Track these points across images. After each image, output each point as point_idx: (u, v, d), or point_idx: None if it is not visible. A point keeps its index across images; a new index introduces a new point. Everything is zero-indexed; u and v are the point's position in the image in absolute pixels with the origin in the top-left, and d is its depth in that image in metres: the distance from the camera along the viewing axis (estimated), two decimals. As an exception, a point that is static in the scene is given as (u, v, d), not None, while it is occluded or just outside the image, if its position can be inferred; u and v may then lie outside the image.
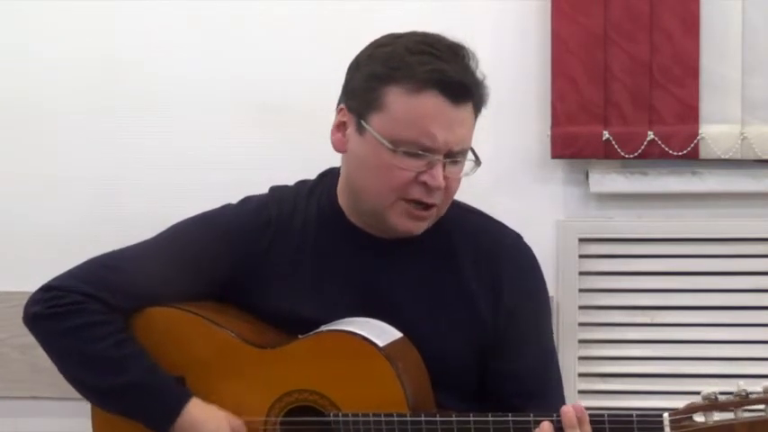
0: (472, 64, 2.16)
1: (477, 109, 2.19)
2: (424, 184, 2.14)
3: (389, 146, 2.13)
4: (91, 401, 2.28)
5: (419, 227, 2.20)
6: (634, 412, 2.04)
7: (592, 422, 2.05)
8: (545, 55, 2.75)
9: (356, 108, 2.18)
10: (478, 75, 2.17)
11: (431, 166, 2.14)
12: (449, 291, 2.25)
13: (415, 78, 2.12)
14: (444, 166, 2.14)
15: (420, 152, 2.13)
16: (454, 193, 2.21)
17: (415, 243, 2.24)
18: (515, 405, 2.20)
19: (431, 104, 2.12)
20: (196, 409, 2.20)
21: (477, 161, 2.20)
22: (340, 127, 2.22)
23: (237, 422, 2.20)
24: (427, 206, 2.17)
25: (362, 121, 2.16)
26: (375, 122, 2.15)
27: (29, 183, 2.90)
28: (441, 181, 2.14)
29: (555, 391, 2.29)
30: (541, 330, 2.30)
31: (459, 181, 2.20)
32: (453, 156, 2.15)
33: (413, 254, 2.26)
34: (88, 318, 2.22)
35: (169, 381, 2.22)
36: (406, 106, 2.13)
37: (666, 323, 2.81)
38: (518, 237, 2.33)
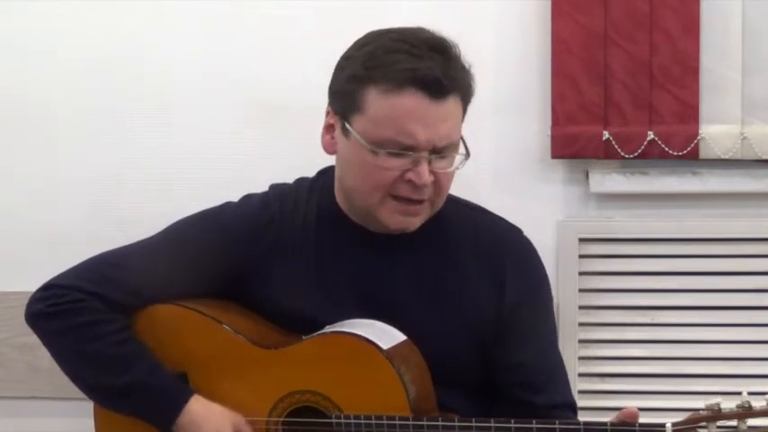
0: (452, 56, 2.15)
1: (465, 100, 2.18)
2: (410, 181, 2.15)
3: (370, 147, 2.14)
4: (93, 400, 2.28)
5: (411, 222, 2.21)
6: (637, 423, 2.04)
7: None
8: (545, 55, 2.74)
9: (340, 110, 2.19)
10: (459, 66, 2.16)
11: (416, 163, 2.14)
12: (450, 286, 2.26)
13: (390, 78, 2.12)
14: (430, 162, 2.15)
15: (401, 151, 2.13)
16: (447, 187, 2.21)
17: (416, 239, 2.25)
18: (519, 397, 2.24)
19: (409, 103, 2.12)
20: (198, 407, 2.20)
21: (467, 154, 2.20)
22: (329, 129, 2.23)
23: (239, 419, 2.20)
24: (417, 201, 2.18)
25: (346, 123, 2.17)
26: (357, 124, 2.16)
27: (29, 183, 2.90)
28: (426, 178, 2.14)
29: (559, 384, 2.30)
30: (544, 323, 2.32)
31: (449, 175, 2.20)
32: (439, 152, 2.16)
33: (413, 250, 2.27)
34: (89, 316, 2.23)
35: (171, 379, 2.22)
36: (383, 106, 2.13)
37: (666, 323, 2.81)
38: (518, 230, 2.34)
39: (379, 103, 2.13)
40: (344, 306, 2.24)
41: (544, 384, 2.26)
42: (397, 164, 2.14)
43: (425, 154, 2.14)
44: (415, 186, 2.15)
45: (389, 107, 2.12)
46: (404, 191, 2.16)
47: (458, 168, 2.20)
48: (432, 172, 2.15)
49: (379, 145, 2.13)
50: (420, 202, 2.18)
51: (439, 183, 2.18)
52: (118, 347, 2.21)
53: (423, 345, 2.21)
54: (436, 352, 2.21)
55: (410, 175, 2.14)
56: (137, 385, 2.20)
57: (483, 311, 2.26)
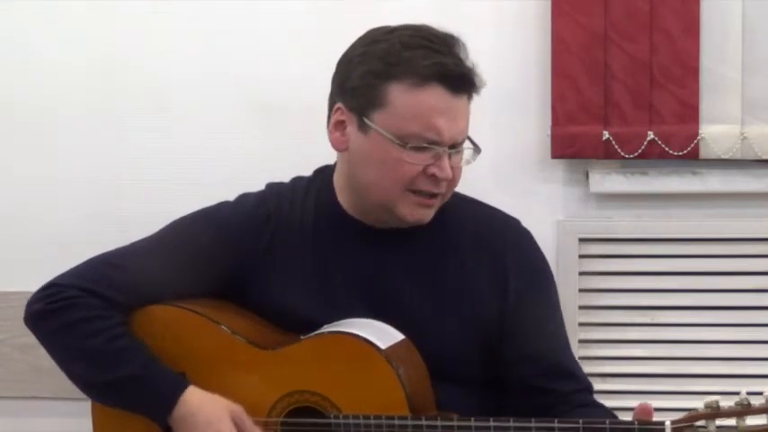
0: (464, 53, 2.19)
1: (471, 97, 2.21)
2: (433, 176, 2.17)
3: (397, 141, 2.15)
4: (91, 397, 2.28)
5: (428, 215, 2.23)
6: (636, 420, 2.04)
7: (593, 430, 2.06)
8: (545, 55, 2.75)
9: (356, 106, 2.19)
10: (470, 63, 2.19)
11: (437, 158, 2.17)
12: (451, 280, 2.27)
13: (416, 73, 2.14)
14: (450, 157, 2.17)
15: (427, 145, 2.16)
16: (458, 181, 2.24)
17: (416, 233, 2.26)
18: (540, 386, 2.24)
19: (434, 98, 2.15)
20: (194, 397, 2.18)
21: (477, 148, 2.23)
22: (338, 126, 2.23)
23: (236, 407, 2.18)
24: (433, 195, 2.20)
25: (365, 119, 2.17)
26: (379, 119, 2.17)
27: (29, 183, 2.90)
28: (449, 172, 2.17)
29: (577, 367, 2.31)
30: (552, 309, 2.33)
31: (461, 169, 2.22)
32: (457, 146, 2.19)
33: (414, 244, 2.27)
34: (85, 312, 2.23)
35: (166, 371, 2.21)
36: (409, 101, 2.15)
37: (666, 323, 2.81)
38: (517, 222, 2.36)
39: (404, 99, 2.15)
40: (344, 302, 2.24)
41: (566, 370, 2.27)
42: (421, 158, 2.16)
43: (446, 148, 2.17)
44: (436, 180, 2.18)
45: (415, 102, 2.15)
46: (425, 185, 2.19)
47: (469, 162, 2.23)
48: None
49: (404, 139, 2.15)
50: (436, 194, 2.20)
51: (453, 176, 2.20)
52: (112, 342, 2.21)
53: (425, 340, 2.21)
54: (438, 347, 2.22)
55: (433, 170, 2.17)
56: (131, 379, 2.19)
57: (486, 305, 2.26)
